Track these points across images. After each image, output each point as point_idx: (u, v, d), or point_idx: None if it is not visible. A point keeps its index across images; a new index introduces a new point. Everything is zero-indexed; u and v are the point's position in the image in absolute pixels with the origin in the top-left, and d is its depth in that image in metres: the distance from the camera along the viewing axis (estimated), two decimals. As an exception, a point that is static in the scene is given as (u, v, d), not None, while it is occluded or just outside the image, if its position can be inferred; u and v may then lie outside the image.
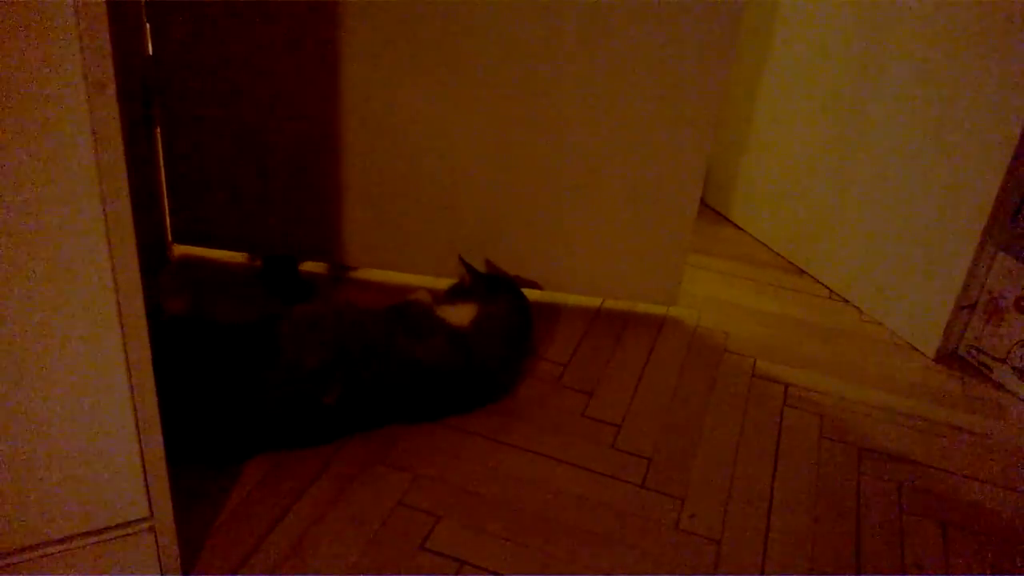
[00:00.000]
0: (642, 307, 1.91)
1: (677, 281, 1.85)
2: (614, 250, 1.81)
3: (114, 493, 1.04)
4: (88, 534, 1.05)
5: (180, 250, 1.89)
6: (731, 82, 2.20)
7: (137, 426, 1.01)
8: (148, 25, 1.65)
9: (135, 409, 1.00)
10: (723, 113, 2.23)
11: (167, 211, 1.83)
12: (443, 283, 1.78)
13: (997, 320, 1.78)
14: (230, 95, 1.71)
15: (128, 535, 1.08)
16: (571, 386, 1.65)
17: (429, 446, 1.46)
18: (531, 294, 1.78)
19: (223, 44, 1.66)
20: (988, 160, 1.67)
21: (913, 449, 1.59)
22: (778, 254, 2.20)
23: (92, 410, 0.98)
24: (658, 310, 1.91)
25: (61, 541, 1.04)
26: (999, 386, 1.79)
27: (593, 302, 1.91)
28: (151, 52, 1.68)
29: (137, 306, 0.95)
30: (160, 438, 1.04)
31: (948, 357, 1.86)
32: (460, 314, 1.56)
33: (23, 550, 1.02)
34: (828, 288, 2.08)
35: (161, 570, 1.13)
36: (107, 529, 1.06)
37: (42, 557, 1.03)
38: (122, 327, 0.95)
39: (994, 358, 1.80)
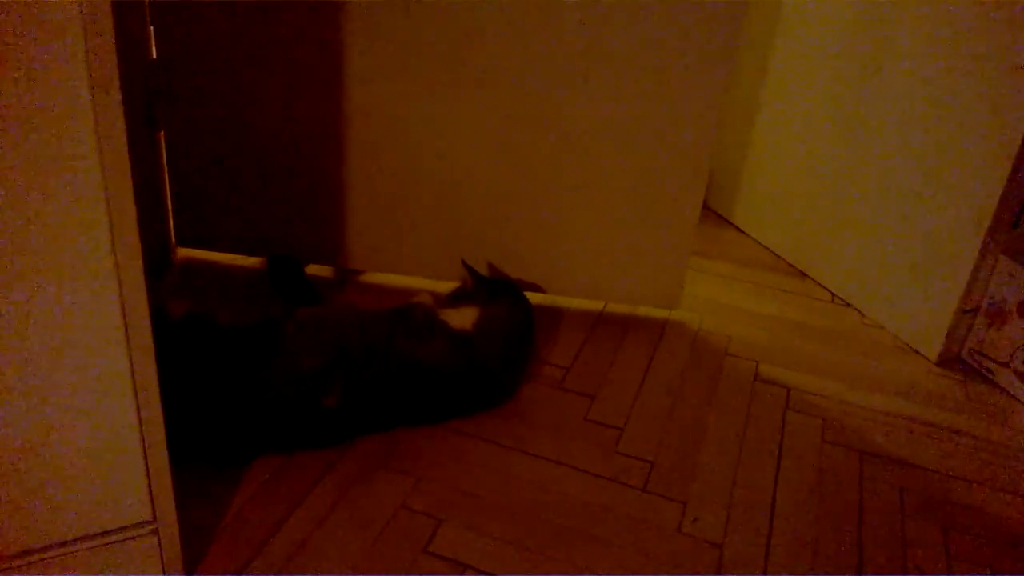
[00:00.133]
0: (644, 311, 1.91)
1: (679, 284, 1.85)
2: (616, 253, 1.81)
3: (118, 496, 1.05)
4: (91, 537, 1.05)
5: (183, 253, 1.89)
6: (733, 85, 2.20)
7: (141, 428, 1.01)
8: (152, 28, 1.66)
9: (139, 411, 1.00)
10: (725, 116, 2.23)
11: (170, 214, 1.84)
12: (445, 286, 1.78)
13: (999, 324, 1.78)
14: (233, 98, 1.71)
15: (131, 538, 1.08)
16: (573, 389, 1.65)
17: (432, 449, 1.46)
18: (533, 297, 1.78)
19: (226, 47, 1.67)
20: (990, 164, 1.67)
21: (915, 453, 1.59)
22: (780, 257, 2.20)
23: (96, 413, 0.98)
24: (660, 313, 1.91)
25: (64, 544, 1.04)
26: (1002, 390, 1.79)
27: (595, 305, 1.91)
28: (155, 55, 1.68)
29: (141, 308, 0.95)
30: (164, 440, 1.04)
31: (950, 361, 1.86)
32: (462, 317, 1.56)
33: (27, 552, 1.02)
34: (830, 292, 2.08)
35: (164, 572, 1.13)
36: (110, 532, 1.06)
37: (46, 560, 1.03)
38: (126, 329, 0.95)
39: (996, 362, 1.80)
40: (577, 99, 1.66)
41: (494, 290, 1.66)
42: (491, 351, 1.54)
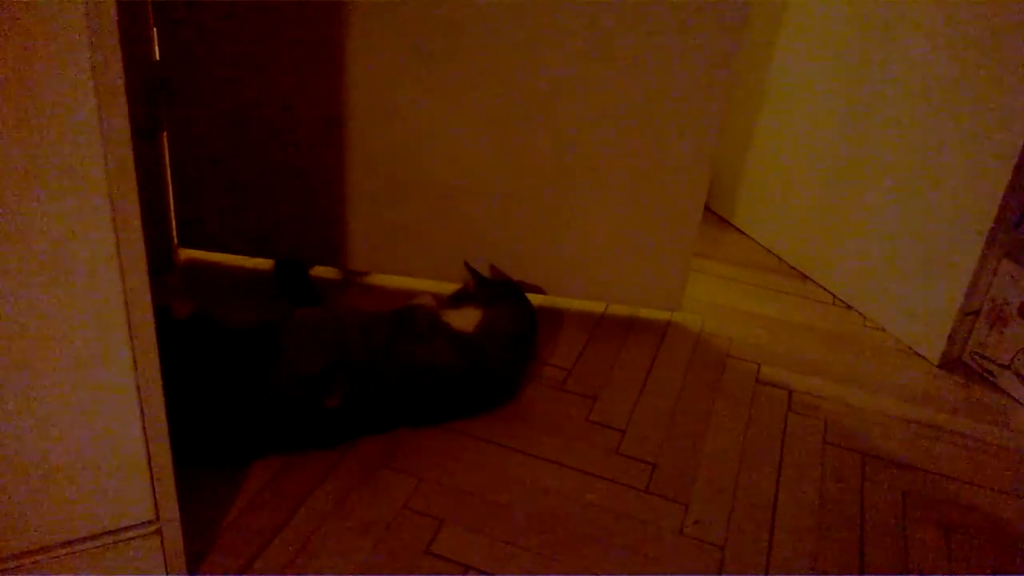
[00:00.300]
0: (646, 312, 1.92)
1: (681, 286, 1.85)
2: (618, 255, 1.81)
3: (121, 496, 1.05)
4: (95, 537, 1.06)
5: (186, 254, 1.89)
6: (735, 87, 2.20)
7: (144, 429, 1.02)
8: (155, 29, 1.66)
9: (142, 412, 1.01)
10: (727, 118, 2.24)
11: (172, 214, 1.84)
12: (447, 288, 1.78)
13: (1001, 326, 1.78)
14: (235, 99, 1.72)
15: (134, 538, 1.08)
16: (575, 391, 1.65)
17: (434, 450, 1.46)
18: (535, 299, 1.78)
19: (229, 48, 1.67)
20: (992, 166, 1.67)
21: (917, 455, 1.59)
22: (782, 259, 2.21)
23: (100, 413, 0.98)
24: (662, 315, 1.92)
25: (68, 543, 1.04)
26: (1003, 392, 1.79)
27: (597, 307, 1.91)
28: (158, 56, 1.68)
29: (145, 309, 0.95)
30: (167, 440, 1.05)
31: (952, 363, 1.87)
32: (464, 319, 1.56)
33: (30, 553, 1.02)
34: (832, 294, 2.08)
35: (167, 572, 1.13)
36: (113, 532, 1.06)
37: (49, 560, 1.04)
38: (130, 330, 0.95)
39: (998, 364, 1.80)
40: (579, 101, 1.67)
41: (496, 291, 1.67)
42: (493, 352, 1.54)
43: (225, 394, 1.34)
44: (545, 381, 1.67)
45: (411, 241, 1.83)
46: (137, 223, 0.91)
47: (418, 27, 1.62)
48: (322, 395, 1.38)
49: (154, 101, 1.71)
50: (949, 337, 1.82)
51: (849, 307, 2.03)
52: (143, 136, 1.70)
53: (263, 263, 1.89)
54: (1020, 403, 1.76)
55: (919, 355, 1.88)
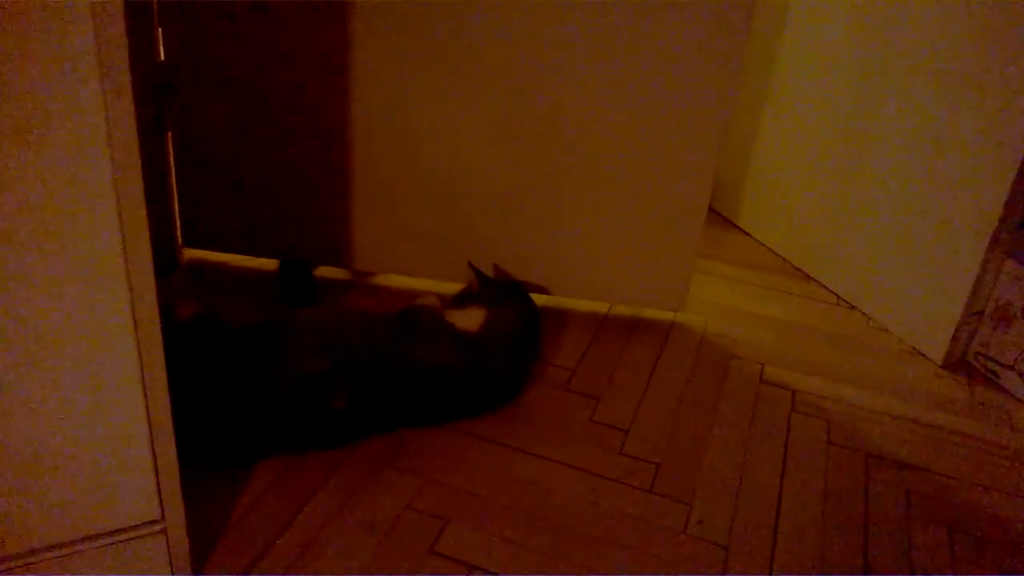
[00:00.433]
0: (650, 313, 1.92)
1: (685, 287, 1.85)
2: (622, 255, 1.82)
3: (126, 495, 1.05)
4: (100, 536, 1.06)
5: (190, 253, 1.90)
6: (739, 88, 2.20)
7: (150, 428, 1.02)
8: (160, 29, 1.66)
9: (148, 412, 1.01)
10: (731, 119, 2.23)
11: (177, 214, 1.84)
12: (451, 288, 1.78)
13: (1005, 327, 1.78)
14: (240, 99, 1.72)
15: (139, 537, 1.08)
16: (579, 391, 1.65)
17: (438, 450, 1.46)
18: (539, 299, 1.78)
19: (234, 48, 1.67)
20: (996, 166, 1.67)
21: (920, 455, 1.59)
22: (785, 260, 2.21)
23: (105, 413, 0.99)
24: (666, 316, 1.92)
25: (73, 543, 1.05)
26: (1007, 392, 1.79)
27: (601, 307, 1.92)
28: (163, 56, 1.69)
29: (151, 309, 0.96)
30: (172, 440, 1.05)
31: (956, 364, 1.86)
32: (469, 319, 1.56)
33: (35, 551, 1.03)
34: (835, 294, 2.08)
35: (172, 571, 1.13)
36: (119, 531, 1.07)
37: (54, 559, 1.04)
38: (136, 330, 0.96)
39: (1002, 365, 1.80)
40: (583, 101, 1.67)
41: (500, 292, 1.67)
42: (497, 352, 1.54)
43: (229, 394, 1.35)
44: (549, 381, 1.67)
45: (415, 241, 1.83)
46: (143, 223, 0.92)
47: (422, 28, 1.62)
48: (327, 395, 1.38)
49: (159, 101, 1.72)
50: (953, 337, 1.82)
51: (853, 307, 2.03)
52: (148, 136, 1.70)
53: (267, 263, 1.89)
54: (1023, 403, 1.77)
55: (923, 355, 1.88)
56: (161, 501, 1.07)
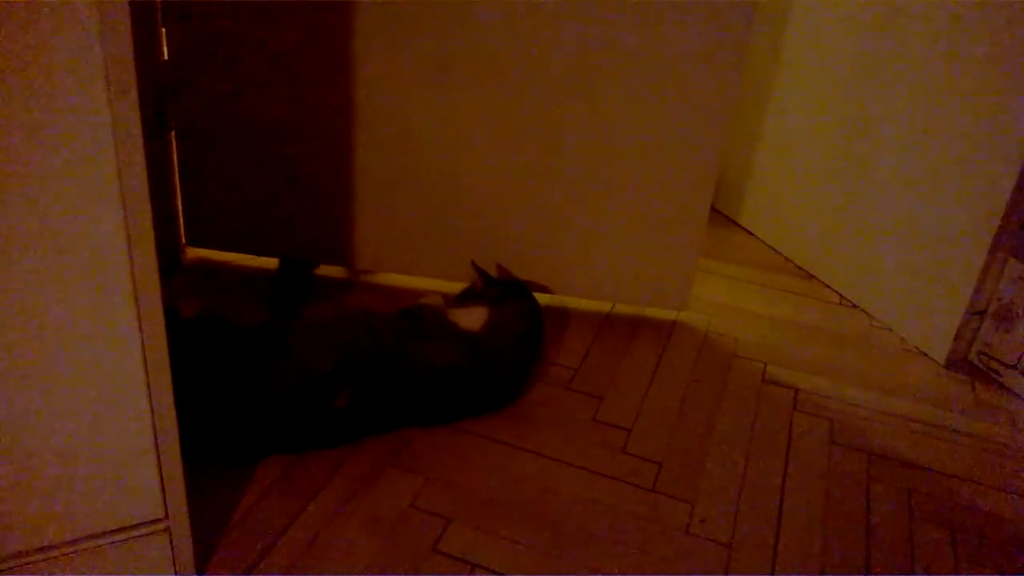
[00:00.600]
0: (652, 312, 1.92)
1: (687, 286, 1.85)
2: (624, 255, 1.82)
3: (130, 494, 1.05)
4: (104, 534, 1.06)
5: (194, 252, 1.90)
6: (741, 87, 2.20)
7: (154, 427, 1.02)
8: (163, 29, 1.67)
9: (152, 411, 1.01)
10: (733, 118, 2.23)
11: (181, 214, 1.85)
12: (454, 287, 1.78)
13: (1007, 326, 1.78)
14: (243, 98, 1.72)
15: (143, 535, 1.08)
16: (581, 390, 1.65)
17: (441, 449, 1.47)
18: (541, 298, 1.78)
19: (236, 48, 1.68)
20: (999, 165, 1.67)
21: (923, 455, 1.59)
22: (788, 259, 2.21)
23: (110, 411, 0.99)
24: (668, 315, 1.92)
25: (77, 541, 1.05)
26: (1009, 392, 1.79)
27: (603, 306, 1.92)
28: (166, 56, 1.69)
29: (155, 308, 0.96)
30: (176, 439, 1.05)
31: (958, 363, 1.86)
32: (471, 318, 1.56)
33: (39, 550, 1.03)
34: (838, 293, 2.08)
35: (175, 570, 1.13)
36: (123, 529, 1.07)
37: (58, 557, 1.04)
38: (140, 330, 0.96)
39: (1004, 364, 1.80)
40: (585, 100, 1.67)
41: (503, 291, 1.67)
42: (500, 352, 1.55)
43: (233, 393, 1.35)
44: (552, 380, 1.67)
45: (417, 240, 1.83)
46: (148, 222, 0.92)
47: (423, 28, 1.62)
48: (330, 394, 1.38)
49: (162, 101, 1.72)
50: (955, 337, 1.82)
51: (855, 307, 2.03)
52: (151, 135, 1.70)
53: (270, 262, 1.89)
54: (1026, 403, 1.77)
55: (925, 355, 1.88)
56: (165, 500, 1.08)
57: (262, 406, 1.36)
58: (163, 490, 1.07)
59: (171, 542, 1.11)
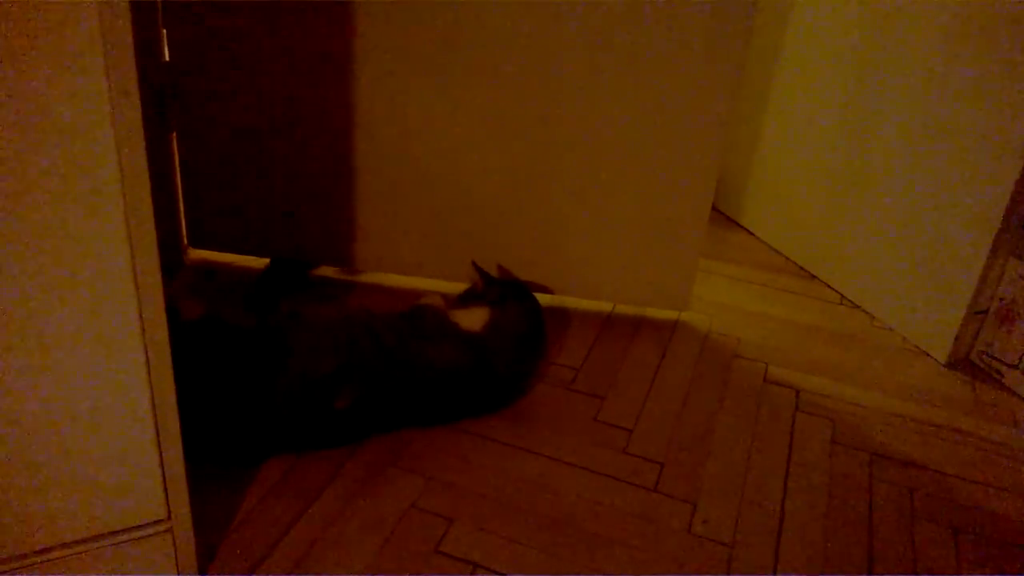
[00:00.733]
0: (653, 312, 1.92)
1: (688, 286, 1.85)
2: (625, 255, 1.82)
3: (133, 495, 1.05)
4: (106, 535, 1.06)
5: (195, 253, 1.90)
6: (742, 87, 2.20)
7: (156, 428, 1.02)
8: (164, 30, 1.67)
9: (155, 412, 1.01)
10: (734, 117, 2.24)
11: (182, 215, 1.85)
12: (454, 287, 1.78)
13: (1009, 326, 1.78)
14: (244, 99, 1.72)
15: (146, 536, 1.08)
16: (583, 390, 1.65)
17: (442, 449, 1.47)
18: (542, 298, 1.78)
19: (238, 49, 1.68)
20: (1000, 165, 1.67)
21: (925, 454, 1.59)
22: (789, 259, 2.21)
23: (112, 412, 0.99)
24: (669, 315, 1.92)
25: (79, 543, 1.05)
26: (1011, 392, 1.79)
27: (604, 307, 1.92)
28: (167, 57, 1.69)
29: (158, 309, 0.96)
30: (179, 440, 1.05)
31: (960, 363, 1.86)
32: (473, 318, 1.56)
33: (41, 551, 1.03)
34: (839, 293, 2.08)
35: (178, 571, 1.13)
36: (125, 531, 1.07)
37: (60, 558, 1.04)
38: (143, 331, 0.96)
39: (1006, 364, 1.80)
40: (586, 99, 1.67)
41: (504, 291, 1.67)
42: (501, 352, 1.55)
43: (235, 394, 1.35)
44: (553, 381, 1.67)
45: (418, 241, 1.83)
46: (151, 224, 0.92)
47: (424, 28, 1.62)
48: (331, 395, 1.38)
49: (163, 102, 1.72)
50: (957, 336, 1.82)
51: (856, 306, 2.03)
52: (152, 136, 1.71)
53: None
54: (1028, 402, 1.77)
55: (927, 354, 1.88)
56: (167, 501, 1.08)
57: (263, 407, 1.36)
58: (165, 491, 1.07)
59: (174, 543, 1.11)
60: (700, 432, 1.58)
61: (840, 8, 1.95)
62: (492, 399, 1.57)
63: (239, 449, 1.38)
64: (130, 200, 0.90)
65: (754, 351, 1.83)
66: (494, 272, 1.82)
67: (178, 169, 1.80)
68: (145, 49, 1.63)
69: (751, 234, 2.31)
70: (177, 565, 1.13)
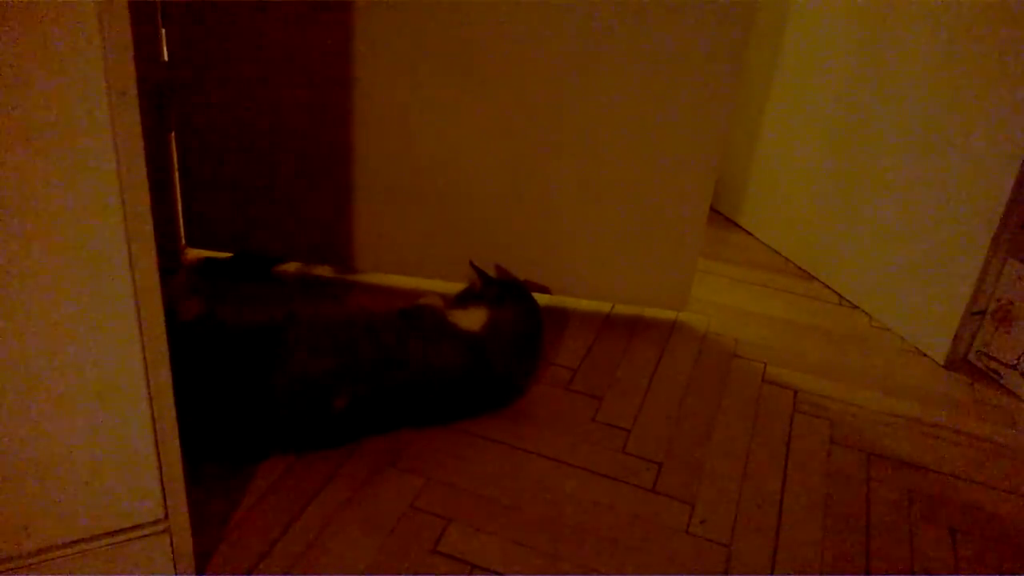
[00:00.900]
0: (652, 312, 1.92)
1: (687, 286, 1.85)
2: (624, 255, 1.82)
3: (130, 495, 1.05)
4: (104, 535, 1.06)
5: (193, 253, 1.90)
6: (741, 87, 2.20)
7: (154, 428, 1.02)
8: (163, 30, 1.67)
9: (152, 412, 1.01)
10: (733, 118, 2.24)
11: (180, 215, 1.85)
12: (452, 287, 1.78)
13: (1007, 326, 1.78)
14: (243, 100, 1.72)
15: (144, 536, 1.08)
16: (581, 390, 1.66)
17: (440, 450, 1.47)
18: (541, 298, 1.78)
19: (237, 49, 1.68)
20: (998, 166, 1.67)
21: (922, 455, 1.59)
22: (787, 259, 2.21)
23: (110, 413, 0.99)
24: (668, 315, 1.92)
25: (77, 542, 1.05)
26: (1009, 392, 1.79)
27: (603, 307, 1.92)
28: (166, 57, 1.69)
29: (156, 309, 0.96)
30: (177, 440, 1.05)
31: (958, 363, 1.87)
32: (471, 319, 1.56)
33: (40, 551, 1.03)
34: (838, 294, 2.08)
35: (176, 570, 1.13)
36: (123, 530, 1.07)
37: (58, 559, 1.04)
38: (141, 331, 0.96)
39: (1004, 364, 1.80)
40: (584, 100, 1.67)
41: (502, 291, 1.67)
42: (500, 352, 1.55)
43: (233, 394, 1.35)
44: (551, 381, 1.67)
45: (417, 241, 1.83)
46: (148, 224, 0.92)
47: (423, 28, 1.62)
48: (330, 395, 1.38)
49: (162, 101, 1.72)
50: (955, 337, 1.82)
51: (855, 307, 2.03)
52: (151, 136, 1.71)
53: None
54: (1026, 403, 1.77)
55: (925, 355, 1.88)
56: (165, 501, 1.08)
57: (262, 407, 1.36)
58: (163, 491, 1.07)
59: (171, 543, 1.11)
60: (698, 432, 1.58)
61: (840, 8, 1.95)
62: (490, 399, 1.57)
63: (238, 449, 1.38)
64: (128, 200, 0.90)
65: (753, 351, 1.83)
66: (492, 272, 1.82)
67: (176, 169, 1.80)
68: (144, 49, 1.63)
69: (750, 234, 2.31)
70: (175, 565, 1.13)
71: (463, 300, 1.67)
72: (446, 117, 1.70)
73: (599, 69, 1.64)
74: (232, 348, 1.40)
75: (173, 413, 1.03)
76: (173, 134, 1.77)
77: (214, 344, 1.41)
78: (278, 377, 1.37)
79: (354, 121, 1.72)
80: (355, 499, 1.35)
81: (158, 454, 1.04)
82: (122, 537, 1.07)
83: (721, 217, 2.38)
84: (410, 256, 1.86)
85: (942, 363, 1.85)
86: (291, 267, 1.92)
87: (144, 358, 0.98)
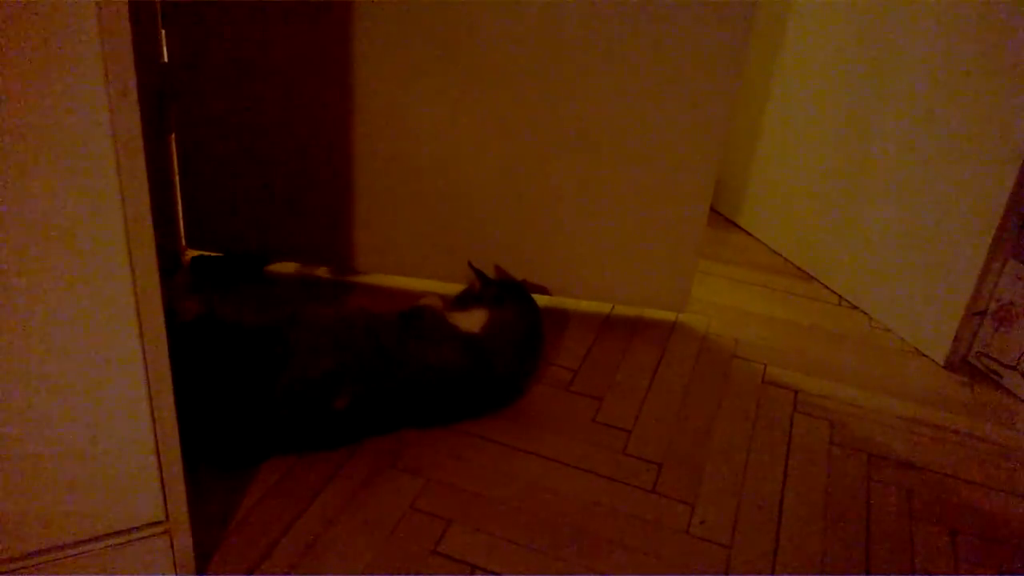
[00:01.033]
0: (652, 313, 1.92)
1: (687, 287, 1.85)
2: (624, 256, 1.82)
3: (131, 496, 1.05)
4: (104, 537, 1.06)
5: (193, 254, 1.90)
6: (741, 87, 2.20)
7: (154, 430, 1.02)
8: (164, 31, 1.67)
9: (152, 413, 1.01)
10: (733, 118, 2.24)
11: (181, 215, 1.85)
12: (452, 288, 1.78)
13: (1007, 327, 1.78)
14: (243, 101, 1.72)
15: (144, 538, 1.08)
16: (581, 391, 1.66)
17: (440, 451, 1.47)
18: (540, 299, 1.78)
19: (237, 50, 1.68)
20: (998, 167, 1.67)
21: (923, 456, 1.59)
22: (788, 260, 2.21)
23: (110, 414, 0.99)
24: (668, 316, 1.92)
25: (77, 544, 1.05)
26: (1008, 392, 1.79)
27: (603, 308, 1.92)
28: (166, 58, 1.69)
29: (156, 310, 0.96)
30: (177, 441, 1.05)
31: (958, 364, 1.87)
32: (471, 320, 1.56)
33: (40, 552, 1.03)
34: (837, 294, 2.08)
35: (176, 572, 1.13)
36: (123, 532, 1.07)
37: (58, 559, 1.04)
38: (141, 331, 0.96)
39: (1004, 365, 1.80)
40: (584, 102, 1.67)
41: (501, 292, 1.67)
42: (500, 353, 1.55)
43: (233, 395, 1.35)
44: (551, 382, 1.67)
45: (416, 242, 1.83)
46: (149, 225, 0.92)
47: (423, 29, 1.62)
48: (331, 396, 1.38)
49: (162, 102, 1.72)
50: (955, 337, 1.82)
51: (855, 307, 2.03)
52: (151, 137, 1.71)
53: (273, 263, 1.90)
54: (1026, 403, 1.77)
55: (925, 355, 1.88)
56: (166, 502, 1.08)
57: (262, 408, 1.36)
58: (163, 492, 1.07)
59: (171, 544, 1.11)
60: (698, 433, 1.58)
61: (839, 9, 1.95)
62: (490, 400, 1.57)
63: (238, 450, 1.38)
64: (128, 201, 0.90)
65: (752, 352, 1.83)
66: (491, 273, 1.82)
67: (177, 170, 1.80)
68: (145, 50, 1.63)
69: (750, 235, 2.31)
70: (175, 566, 1.13)
71: (463, 301, 1.67)
72: (446, 117, 1.70)
73: (599, 69, 1.64)
74: (232, 349, 1.40)
75: (173, 415, 1.03)
76: (173, 135, 1.77)
77: (214, 345, 1.41)
78: (279, 377, 1.37)
79: (354, 122, 1.72)
80: (355, 500, 1.35)
81: (158, 455, 1.04)
82: (122, 538, 1.07)
83: (721, 218, 2.38)
84: (410, 257, 1.86)
85: (942, 363, 1.85)
86: (287, 267, 1.92)
87: (144, 359, 0.98)
